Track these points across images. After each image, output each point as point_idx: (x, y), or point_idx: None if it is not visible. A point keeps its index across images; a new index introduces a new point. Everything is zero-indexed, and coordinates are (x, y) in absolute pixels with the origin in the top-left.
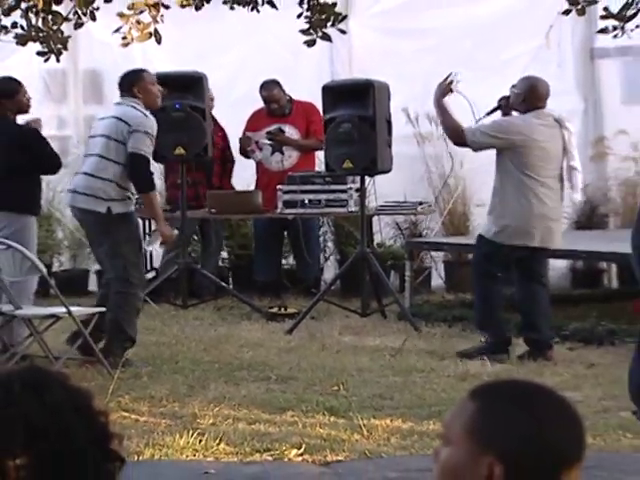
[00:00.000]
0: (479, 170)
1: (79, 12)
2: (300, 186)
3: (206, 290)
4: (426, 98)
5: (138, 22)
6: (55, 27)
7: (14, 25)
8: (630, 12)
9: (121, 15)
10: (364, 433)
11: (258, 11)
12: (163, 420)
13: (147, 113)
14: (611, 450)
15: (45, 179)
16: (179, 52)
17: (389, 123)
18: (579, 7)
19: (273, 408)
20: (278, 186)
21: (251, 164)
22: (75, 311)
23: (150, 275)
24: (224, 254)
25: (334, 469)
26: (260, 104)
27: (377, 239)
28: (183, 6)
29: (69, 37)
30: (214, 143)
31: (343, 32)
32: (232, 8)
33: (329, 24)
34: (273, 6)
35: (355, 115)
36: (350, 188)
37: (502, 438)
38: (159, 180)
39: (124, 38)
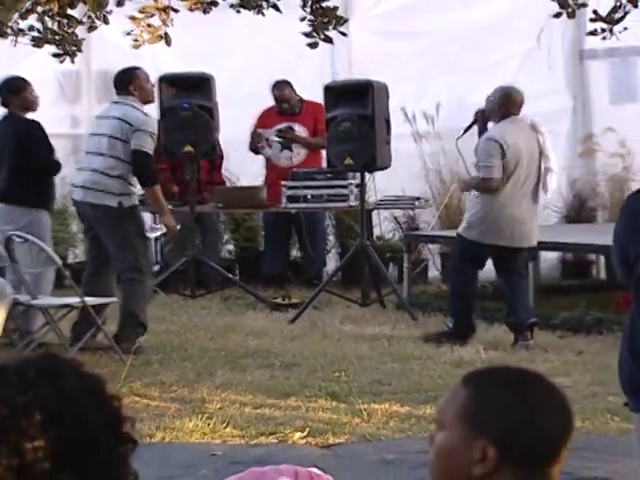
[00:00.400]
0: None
1: (92, 16)
2: (303, 182)
3: (213, 281)
4: (423, 98)
5: (149, 25)
6: (70, 30)
7: (31, 28)
8: (618, 15)
9: (132, 18)
10: (364, 417)
11: (263, 15)
12: (173, 405)
13: (146, 112)
14: (599, 433)
15: (59, 174)
16: (187, 54)
17: (388, 122)
18: (569, 10)
19: (277, 393)
20: (282, 182)
21: (257, 160)
22: (89, 301)
23: (156, 267)
24: (230, 247)
25: (335, 451)
26: (265, 103)
27: (376, 232)
28: (192, 10)
29: (83, 39)
30: None
31: (344, 34)
32: (238, 12)
33: (331, 27)
34: (277, 10)
35: (355, 114)
36: (350, 184)
37: (495, 423)
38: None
39: (135, 40)
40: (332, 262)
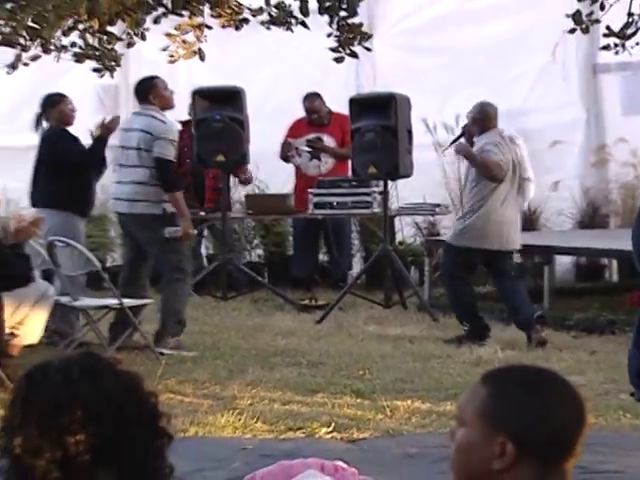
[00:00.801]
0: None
1: (131, 33)
2: (329, 189)
3: (243, 284)
4: (443, 109)
5: (184, 41)
6: (109, 46)
7: (73, 45)
8: (630, 31)
9: (169, 35)
10: (387, 413)
11: (292, 31)
12: (206, 401)
13: (166, 120)
14: (612, 429)
15: (100, 183)
16: (220, 68)
17: (410, 132)
18: (583, 26)
19: (305, 390)
20: (309, 189)
21: (286, 169)
22: (126, 302)
23: None
24: (260, 251)
25: (360, 446)
26: (293, 116)
27: (399, 237)
28: (224, 27)
29: (122, 55)
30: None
31: (368, 49)
32: (268, 28)
33: (356, 42)
34: (305, 26)
35: (379, 125)
36: (374, 191)
37: (513, 420)
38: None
39: (171, 56)
40: (357, 266)
